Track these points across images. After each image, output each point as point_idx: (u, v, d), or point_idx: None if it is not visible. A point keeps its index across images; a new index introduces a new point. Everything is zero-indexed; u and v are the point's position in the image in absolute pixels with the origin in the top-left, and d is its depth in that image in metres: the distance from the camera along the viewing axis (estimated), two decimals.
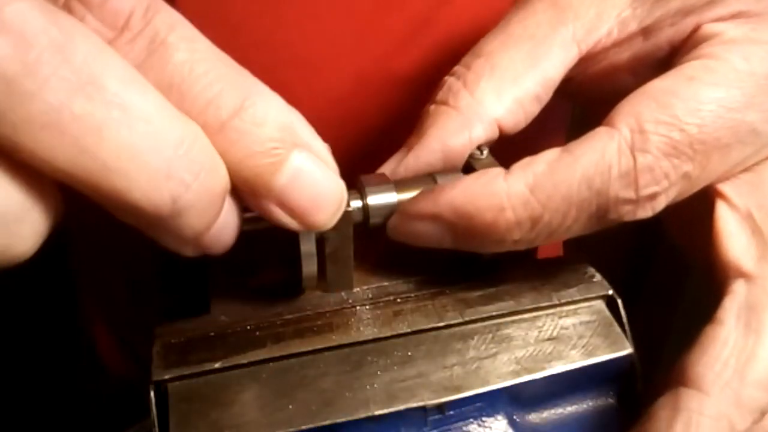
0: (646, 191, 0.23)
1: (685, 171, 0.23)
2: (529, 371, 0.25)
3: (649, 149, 0.23)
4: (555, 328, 0.26)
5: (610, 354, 0.26)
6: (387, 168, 0.28)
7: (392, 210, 0.27)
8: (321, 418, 0.23)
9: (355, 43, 0.40)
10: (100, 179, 0.18)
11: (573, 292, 0.27)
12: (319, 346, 0.25)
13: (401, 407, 0.24)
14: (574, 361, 0.25)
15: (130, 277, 0.52)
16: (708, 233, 0.25)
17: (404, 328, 0.26)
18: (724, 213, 0.25)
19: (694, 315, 0.25)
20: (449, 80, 0.28)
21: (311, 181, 0.21)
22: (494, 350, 0.26)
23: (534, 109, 0.28)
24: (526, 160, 0.24)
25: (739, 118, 0.23)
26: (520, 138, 0.29)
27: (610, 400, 0.27)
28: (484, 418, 0.25)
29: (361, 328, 0.26)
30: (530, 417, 0.26)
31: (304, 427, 0.23)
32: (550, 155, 0.24)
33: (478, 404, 0.25)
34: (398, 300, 0.27)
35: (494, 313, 0.26)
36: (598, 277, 0.28)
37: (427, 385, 0.24)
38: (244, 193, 0.21)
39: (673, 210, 0.25)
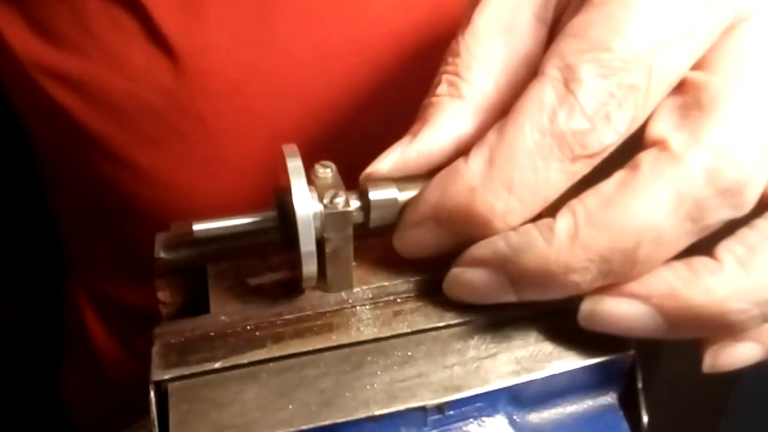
0: (597, 115, 0.23)
1: (630, 83, 0.22)
2: (529, 371, 0.25)
3: (582, 77, 0.23)
4: (555, 328, 0.26)
5: (610, 354, 0.26)
6: (392, 155, 0.27)
7: (394, 210, 0.27)
8: (321, 418, 0.23)
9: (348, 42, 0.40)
10: None
11: None
12: (319, 346, 0.25)
13: (401, 407, 0.24)
14: (574, 361, 0.25)
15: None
16: None
17: (404, 328, 0.26)
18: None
19: None
20: (444, 76, 0.28)
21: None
22: (494, 350, 0.26)
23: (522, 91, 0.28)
24: (482, 139, 0.24)
25: (660, 19, 0.23)
26: None
27: (610, 400, 0.27)
28: (484, 418, 0.25)
29: (361, 328, 0.26)
30: (530, 417, 0.26)
31: (304, 427, 0.23)
32: (497, 125, 0.24)
33: (478, 404, 0.25)
34: (398, 300, 0.27)
35: (494, 313, 0.26)
36: None
37: (427, 385, 0.24)
38: None
39: None
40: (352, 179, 0.27)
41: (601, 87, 0.23)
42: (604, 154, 0.23)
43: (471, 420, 0.25)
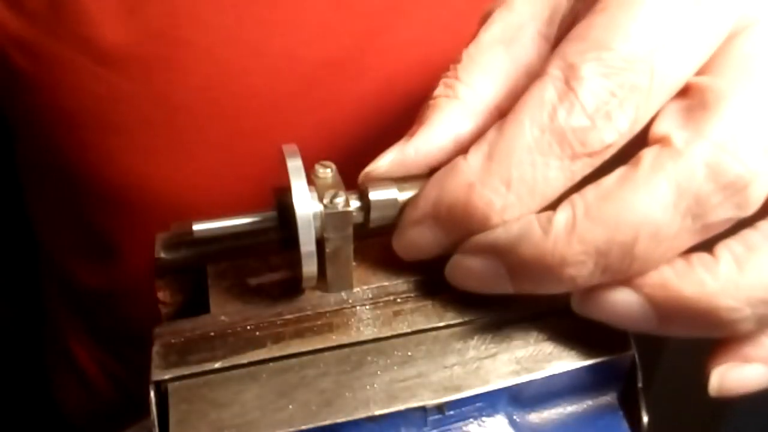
0: (598, 114, 0.22)
1: (632, 83, 0.22)
2: (529, 371, 0.25)
3: (583, 75, 0.23)
4: (555, 328, 0.26)
5: (610, 354, 0.26)
6: (391, 155, 0.27)
7: (393, 210, 0.27)
8: (321, 418, 0.23)
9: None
10: None
11: None
12: (319, 346, 0.25)
13: (401, 407, 0.24)
14: (574, 361, 0.25)
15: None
16: None
17: (404, 328, 0.26)
18: None
19: None
20: (444, 80, 0.28)
21: None
22: (494, 350, 0.26)
23: None
24: (482, 136, 0.24)
25: (661, 20, 0.23)
26: None
27: (610, 400, 0.27)
28: (484, 418, 0.25)
29: (361, 328, 0.26)
30: (530, 417, 0.26)
31: (304, 427, 0.23)
32: (498, 122, 0.24)
33: (478, 404, 0.25)
34: (398, 300, 0.27)
35: (494, 313, 0.26)
36: None
37: (427, 385, 0.24)
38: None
39: None
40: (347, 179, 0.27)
41: (602, 85, 0.22)
42: (606, 155, 0.23)
43: (471, 420, 0.25)
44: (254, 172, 0.40)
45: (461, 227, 0.25)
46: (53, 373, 0.64)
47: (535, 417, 0.26)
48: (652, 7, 0.23)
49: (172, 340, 0.25)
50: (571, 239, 0.22)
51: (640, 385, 0.27)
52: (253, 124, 0.44)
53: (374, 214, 0.27)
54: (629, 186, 0.22)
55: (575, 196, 0.23)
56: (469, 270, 0.25)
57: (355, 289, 0.28)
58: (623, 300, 0.24)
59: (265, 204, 0.28)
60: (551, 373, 0.25)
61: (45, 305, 0.63)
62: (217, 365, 0.24)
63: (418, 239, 0.26)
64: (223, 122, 0.44)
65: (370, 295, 0.28)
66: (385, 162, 0.27)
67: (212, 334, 0.26)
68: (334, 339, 0.26)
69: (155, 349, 0.25)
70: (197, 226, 0.27)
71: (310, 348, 0.25)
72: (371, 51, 0.44)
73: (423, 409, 0.24)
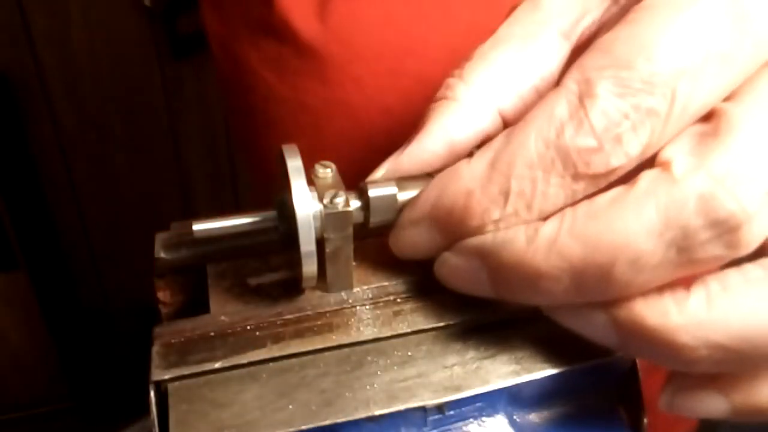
0: (607, 135, 0.21)
1: (648, 107, 0.21)
2: (529, 371, 0.25)
3: (597, 93, 0.22)
4: (555, 328, 0.26)
5: (610, 354, 0.26)
6: (387, 164, 0.28)
7: (393, 210, 0.27)
8: (321, 418, 0.23)
9: None
10: None
11: None
12: (319, 346, 0.25)
13: (401, 407, 0.23)
14: (574, 361, 0.25)
15: None
16: None
17: (404, 328, 0.26)
18: None
19: None
20: (446, 80, 0.28)
21: None
22: (494, 350, 0.26)
23: (534, 101, 0.28)
24: (490, 141, 0.24)
25: (690, 41, 0.21)
26: None
27: (610, 400, 0.27)
28: (484, 418, 0.25)
29: (361, 328, 0.26)
30: (530, 417, 0.26)
31: (304, 427, 0.23)
32: (507, 129, 0.24)
33: (478, 404, 0.25)
34: (398, 300, 0.27)
35: (495, 313, 0.26)
36: None
37: (427, 385, 0.24)
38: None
39: None
40: None
41: (615, 106, 0.21)
42: (612, 177, 0.22)
43: (471, 420, 0.25)
44: None
45: (457, 231, 0.25)
46: None
47: (535, 417, 0.26)
48: (686, 26, 0.22)
49: (172, 340, 0.25)
50: (550, 253, 0.22)
51: (640, 385, 0.27)
52: (384, 142, 0.45)
53: (374, 214, 0.27)
54: (617, 207, 0.21)
55: (567, 210, 0.22)
56: (453, 268, 0.25)
57: (355, 289, 0.28)
58: (588, 313, 0.23)
59: None
60: (551, 373, 0.25)
61: None
62: (217, 365, 0.24)
63: (414, 239, 0.26)
64: (359, 136, 0.45)
65: (370, 295, 0.28)
66: (380, 174, 0.27)
67: (212, 334, 0.26)
68: (334, 339, 0.26)
69: (155, 349, 0.25)
70: (197, 226, 0.27)
71: (310, 348, 0.25)
72: None
73: (423, 409, 0.24)
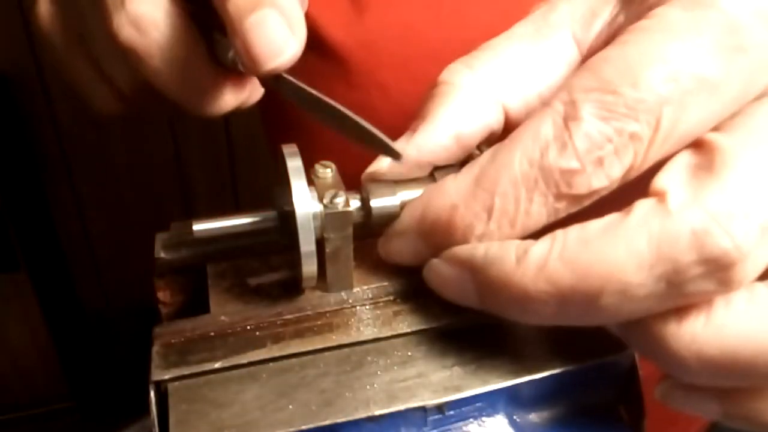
0: (589, 157, 0.22)
1: (632, 131, 0.21)
2: (529, 371, 0.25)
3: (581, 116, 0.22)
4: (555, 328, 0.26)
5: (610, 354, 0.26)
6: (388, 159, 0.27)
7: (394, 210, 0.27)
8: (321, 418, 0.23)
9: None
10: None
11: None
12: (319, 346, 0.25)
13: (401, 407, 0.23)
14: (574, 361, 0.25)
15: None
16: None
17: (404, 328, 0.26)
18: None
19: None
20: (451, 64, 0.28)
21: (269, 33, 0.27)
22: (494, 350, 0.26)
23: (536, 106, 0.28)
24: (476, 159, 0.24)
25: (677, 69, 0.22)
26: None
27: (610, 400, 0.27)
28: (484, 418, 0.25)
29: (361, 328, 0.26)
30: (530, 417, 0.26)
31: (304, 427, 0.23)
32: (495, 146, 0.24)
33: (478, 404, 0.25)
34: (398, 300, 0.27)
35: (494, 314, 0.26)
36: None
37: (427, 385, 0.24)
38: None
39: None
40: None
41: (598, 129, 0.22)
42: (595, 197, 0.23)
43: (471, 420, 0.25)
44: None
45: (442, 244, 0.25)
46: None
47: (535, 417, 0.26)
48: (677, 53, 0.22)
49: (172, 340, 0.25)
50: (538, 277, 0.22)
51: (640, 385, 0.27)
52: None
53: (374, 214, 0.27)
54: (610, 236, 0.21)
55: (559, 232, 0.22)
56: (441, 277, 0.25)
57: (355, 289, 0.28)
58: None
59: None
60: (551, 373, 0.25)
61: None
62: (217, 365, 0.24)
63: (401, 249, 0.27)
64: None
65: (370, 295, 0.28)
66: (386, 163, 0.27)
67: (212, 334, 0.26)
68: (334, 339, 0.26)
69: (155, 349, 0.25)
70: (197, 226, 0.27)
71: (310, 348, 0.25)
72: None
73: (423, 409, 0.24)
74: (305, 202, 0.24)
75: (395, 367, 0.25)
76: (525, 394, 0.25)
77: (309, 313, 0.27)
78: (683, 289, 0.20)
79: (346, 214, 0.26)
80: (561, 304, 0.22)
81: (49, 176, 1.35)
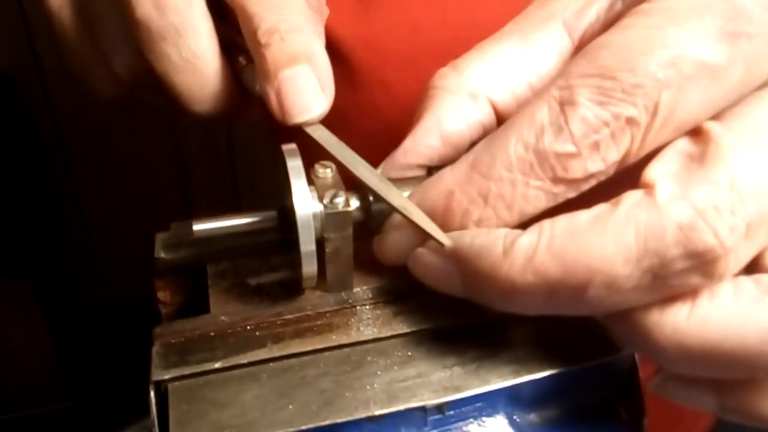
0: (585, 141, 0.22)
1: (629, 116, 0.21)
2: (529, 371, 0.25)
3: (578, 101, 0.22)
4: (555, 328, 0.26)
5: (610, 354, 0.26)
6: (387, 160, 0.28)
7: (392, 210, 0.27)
8: (321, 418, 0.23)
9: None
10: None
11: None
12: (319, 346, 0.25)
13: (401, 407, 0.23)
14: (574, 361, 0.25)
15: None
16: None
17: (404, 328, 0.26)
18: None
19: None
20: (440, 70, 0.28)
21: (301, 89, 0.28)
22: (494, 350, 0.26)
23: (527, 96, 0.28)
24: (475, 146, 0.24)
25: (677, 54, 0.21)
26: None
27: (610, 400, 0.27)
28: (484, 418, 0.25)
29: (361, 328, 0.26)
30: (530, 417, 0.26)
31: (304, 427, 0.23)
32: (491, 134, 0.24)
33: (478, 404, 0.25)
34: (398, 300, 0.27)
35: (495, 313, 0.26)
36: None
37: (427, 385, 0.24)
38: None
39: None
40: None
41: (595, 114, 0.22)
42: (592, 181, 0.23)
43: (471, 420, 0.25)
44: None
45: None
46: None
47: (535, 417, 0.26)
48: (676, 37, 0.21)
49: (172, 340, 0.25)
50: (526, 269, 0.22)
51: (640, 385, 0.27)
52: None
53: (374, 214, 0.27)
54: (597, 228, 0.21)
55: (546, 223, 0.22)
56: (427, 265, 0.25)
57: (355, 289, 0.28)
58: None
59: None
60: (551, 373, 0.25)
61: None
62: (217, 365, 0.24)
63: (396, 243, 0.27)
64: (385, 138, 0.46)
65: (370, 295, 0.28)
66: (378, 171, 0.28)
67: (212, 334, 0.26)
68: (334, 339, 0.26)
69: (155, 349, 0.25)
70: (197, 226, 0.27)
71: (310, 348, 0.25)
72: None
73: (423, 409, 0.24)
74: (305, 202, 0.24)
75: (395, 367, 0.25)
76: (525, 394, 0.25)
77: (309, 313, 0.27)
78: (669, 282, 0.21)
79: (346, 214, 0.26)
80: (547, 295, 0.22)
81: (49, 176, 1.35)
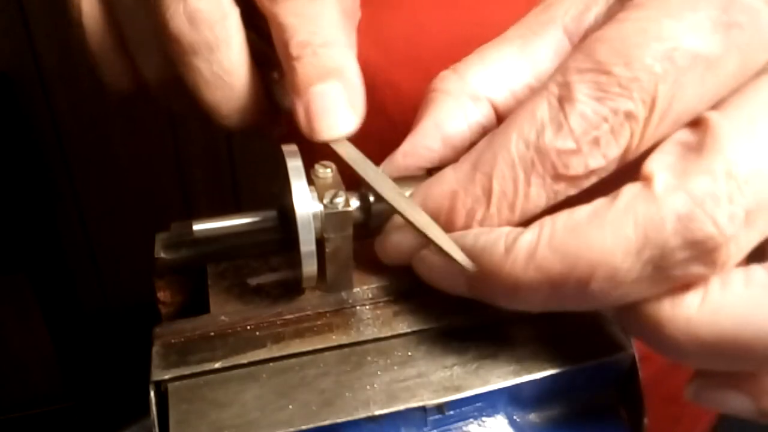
0: (585, 137, 0.22)
1: (627, 110, 0.21)
2: (529, 371, 0.25)
3: (576, 97, 0.22)
4: (555, 328, 0.26)
5: (610, 354, 0.26)
6: (386, 162, 0.28)
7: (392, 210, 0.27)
8: (321, 418, 0.23)
9: None
10: None
11: None
12: (319, 346, 0.25)
13: (401, 407, 0.23)
14: (574, 361, 0.25)
15: None
16: None
17: (404, 328, 0.26)
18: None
19: None
20: (441, 73, 0.28)
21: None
22: (494, 350, 0.26)
23: (527, 98, 0.28)
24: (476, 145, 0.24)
25: (672, 47, 0.21)
26: None
27: (610, 400, 0.27)
28: (484, 418, 0.25)
29: (361, 328, 0.26)
30: (530, 417, 0.26)
31: (304, 427, 0.23)
32: (491, 133, 0.24)
33: (478, 404, 0.25)
34: (398, 300, 0.27)
35: (494, 313, 0.26)
36: None
37: (427, 385, 0.24)
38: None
39: None
40: None
41: (593, 109, 0.22)
42: (593, 178, 0.23)
43: (471, 420, 0.25)
44: None
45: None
46: None
47: (535, 417, 0.26)
48: (671, 29, 0.21)
49: (172, 340, 0.25)
50: (528, 266, 0.22)
51: (640, 385, 0.27)
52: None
53: (374, 215, 0.27)
54: (597, 222, 0.21)
55: (546, 219, 0.22)
56: (431, 266, 0.25)
57: (355, 289, 0.28)
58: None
59: None
60: (551, 373, 0.25)
61: None
62: (217, 365, 0.24)
63: (399, 243, 0.27)
64: (392, 137, 0.46)
65: (370, 295, 0.28)
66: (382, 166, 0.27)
67: (212, 334, 0.26)
68: (334, 339, 0.26)
69: (155, 349, 0.25)
70: (197, 226, 0.27)
71: (310, 348, 0.25)
72: None
73: (423, 409, 0.24)
74: (305, 202, 0.24)
75: (395, 367, 0.25)
76: (525, 394, 0.25)
77: (309, 313, 0.27)
78: (671, 273, 0.21)
79: (346, 214, 0.26)
80: (551, 291, 0.22)
81: (49, 176, 1.35)
